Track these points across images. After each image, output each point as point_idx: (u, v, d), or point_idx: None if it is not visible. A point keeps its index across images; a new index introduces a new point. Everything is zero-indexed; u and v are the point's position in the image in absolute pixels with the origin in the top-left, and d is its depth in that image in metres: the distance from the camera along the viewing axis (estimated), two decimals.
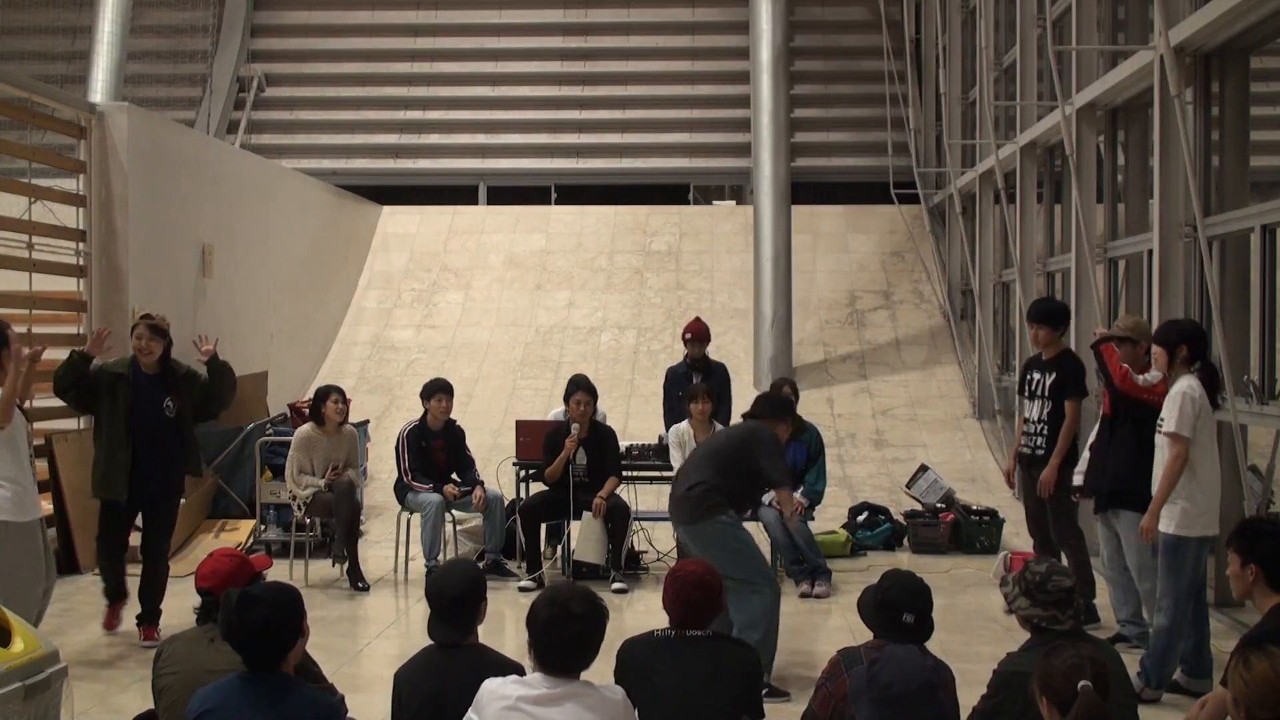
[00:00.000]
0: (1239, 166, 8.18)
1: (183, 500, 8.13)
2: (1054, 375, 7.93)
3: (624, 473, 9.45)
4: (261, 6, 20.27)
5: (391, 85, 19.80)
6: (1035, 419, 8.00)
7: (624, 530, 9.11)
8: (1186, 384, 6.38)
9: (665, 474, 9.53)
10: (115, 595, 7.65)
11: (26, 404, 6.70)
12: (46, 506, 9.43)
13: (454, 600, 4.32)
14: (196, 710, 3.80)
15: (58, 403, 10.23)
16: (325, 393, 9.44)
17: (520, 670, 4.13)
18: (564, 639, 3.87)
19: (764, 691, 5.68)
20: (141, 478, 7.42)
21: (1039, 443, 7.94)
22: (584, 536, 8.99)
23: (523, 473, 9.63)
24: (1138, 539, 6.72)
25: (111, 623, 7.65)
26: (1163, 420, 6.45)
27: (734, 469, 6.63)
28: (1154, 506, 6.43)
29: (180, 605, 7.92)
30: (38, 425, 9.78)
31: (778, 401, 7.41)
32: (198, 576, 4.55)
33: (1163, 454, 6.46)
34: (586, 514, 8.99)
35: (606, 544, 8.97)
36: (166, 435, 7.51)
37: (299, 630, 3.91)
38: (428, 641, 4.42)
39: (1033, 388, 8.06)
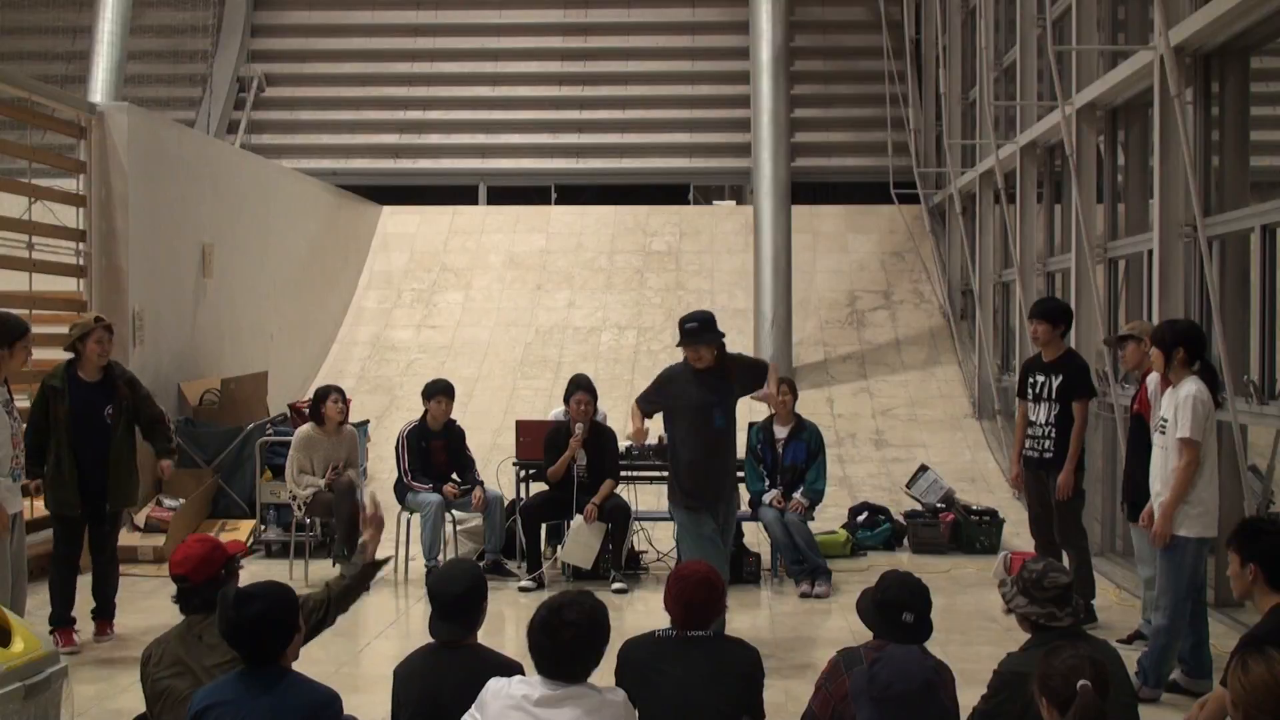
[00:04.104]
0: (1239, 166, 8.18)
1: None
2: (1060, 378, 7.89)
3: (625, 473, 9.46)
4: (261, 6, 20.27)
5: (391, 85, 19.80)
6: (1043, 422, 7.93)
7: (624, 530, 9.11)
8: (1194, 387, 6.32)
9: (665, 474, 9.53)
10: (65, 620, 7.38)
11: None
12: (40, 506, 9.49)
13: (456, 599, 4.33)
14: (198, 707, 3.82)
15: None
16: (325, 393, 9.44)
17: (520, 670, 4.14)
18: (557, 646, 3.88)
19: None
20: (90, 489, 7.36)
21: (1047, 445, 7.88)
22: (573, 540, 8.97)
23: (523, 473, 9.64)
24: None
25: (71, 641, 7.29)
26: (1165, 421, 6.43)
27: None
28: (1166, 511, 6.34)
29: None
30: None
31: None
32: (171, 564, 4.53)
33: (1163, 455, 6.45)
34: (579, 517, 8.98)
35: (595, 549, 8.97)
36: (111, 443, 7.44)
37: (295, 625, 3.96)
38: (427, 641, 4.42)
39: (1037, 390, 7.99)
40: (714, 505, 7.13)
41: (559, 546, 9.43)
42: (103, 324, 7.49)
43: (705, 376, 7.06)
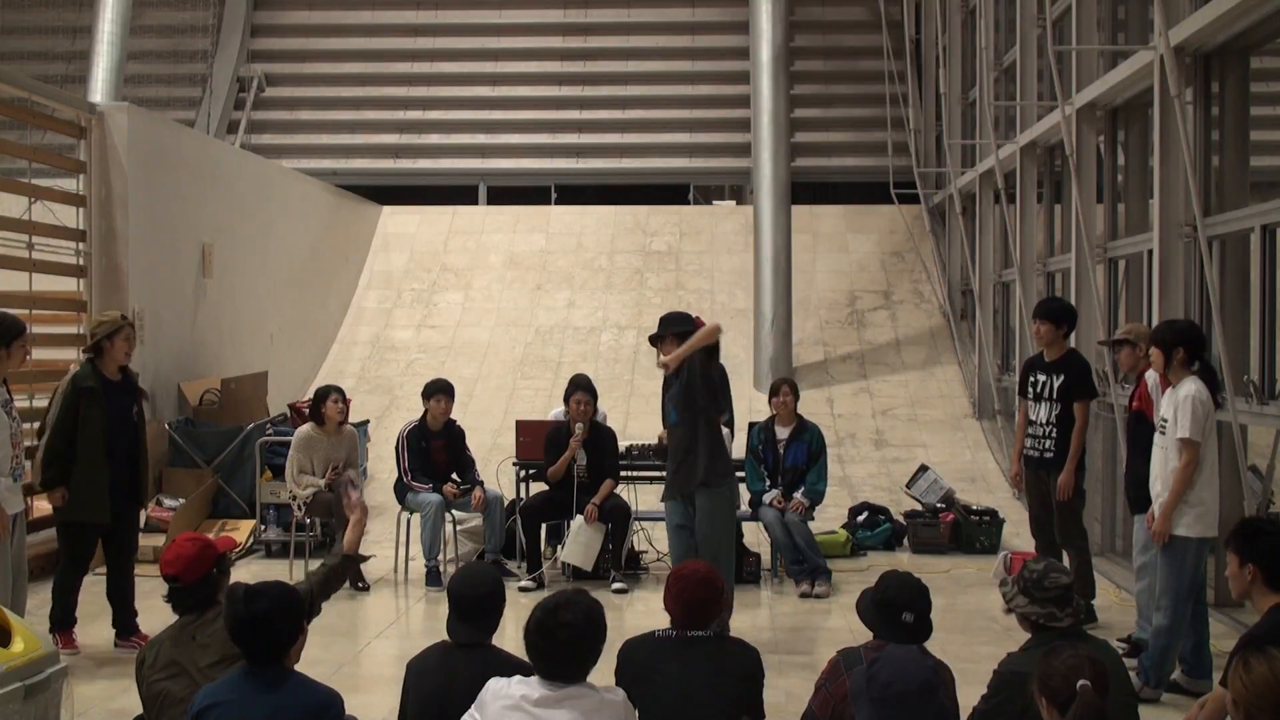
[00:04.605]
0: (1239, 166, 8.18)
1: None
2: (1062, 378, 7.89)
3: (625, 473, 9.46)
4: (261, 6, 20.28)
5: (391, 85, 19.80)
6: (1043, 421, 7.93)
7: (624, 531, 9.11)
8: (1194, 387, 6.32)
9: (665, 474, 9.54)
10: (67, 621, 7.28)
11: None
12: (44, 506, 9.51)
13: (477, 601, 4.34)
14: (199, 706, 3.83)
15: None
16: (325, 393, 9.43)
17: (530, 670, 4.13)
18: (554, 647, 3.88)
19: None
20: (117, 491, 7.25)
21: (1048, 445, 7.89)
22: (573, 540, 8.98)
23: (523, 473, 9.64)
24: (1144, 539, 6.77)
25: (72, 642, 7.20)
26: (1165, 421, 6.43)
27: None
28: (1165, 510, 6.35)
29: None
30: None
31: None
32: (162, 563, 4.50)
33: (1163, 455, 6.45)
34: (579, 517, 8.99)
35: (595, 549, 8.97)
36: (134, 442, 7.39)
37: (299, 626, 3.97)
38: (428, 641, 4.43)
39: (1038, 390, 8.00)
40: (682, 496, 7.39)
41: (559, 546, 9.43)
42: (128, 321, 7.43)
43: (673, 376, 7.41)
